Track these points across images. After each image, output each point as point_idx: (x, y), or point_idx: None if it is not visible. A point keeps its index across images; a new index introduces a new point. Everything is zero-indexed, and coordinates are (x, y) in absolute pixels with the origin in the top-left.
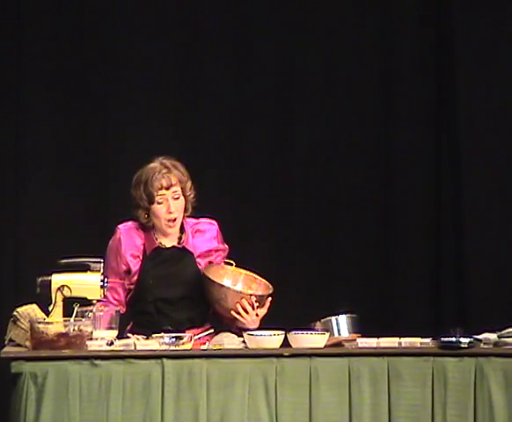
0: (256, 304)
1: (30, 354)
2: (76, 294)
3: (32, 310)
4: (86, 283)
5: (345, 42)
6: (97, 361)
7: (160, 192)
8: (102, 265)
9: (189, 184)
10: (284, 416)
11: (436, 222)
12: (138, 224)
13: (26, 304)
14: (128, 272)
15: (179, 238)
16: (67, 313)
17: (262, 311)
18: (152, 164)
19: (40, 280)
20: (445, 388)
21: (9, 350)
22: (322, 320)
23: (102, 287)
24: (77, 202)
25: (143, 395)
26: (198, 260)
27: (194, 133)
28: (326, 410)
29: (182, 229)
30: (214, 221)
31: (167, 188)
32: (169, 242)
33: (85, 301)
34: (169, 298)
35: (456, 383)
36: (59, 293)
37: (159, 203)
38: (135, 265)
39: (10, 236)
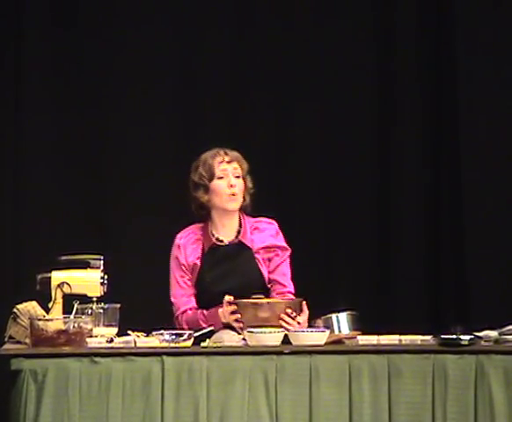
0: (293, 313)
1: (30, 351)
2: (75, 291)
3: (31, 307)
4: (86, 280)
5: (344, 41)
6: (97, 358)
7: (221, 166)
8: (102, 262)
9: (250, 178)
10: (284, 413)
11: (436, 220)
12: (194, 228)
13: (26, 301)
14: (192, 270)
15: (238, 232)
16: (67, 310)
17: (303, 317)
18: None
19: (39, 277)
20: (445, 385)
21: (9, 347)
22: (322, 317)
23: (102, 284)
24: (77, 199)
25: (143, 392)
26: (256, 256)
27: (193, 133)
28: (326, 407)
29: (240, 224)
30: (273, 221)
31: (228, 162)
32: (226, 236)
33: (85, 299)
34: (227, 291)
35: (456, 381)
36: (59, 290)
37: (220, 178)
38: (196, 264)
39: (10, 233)
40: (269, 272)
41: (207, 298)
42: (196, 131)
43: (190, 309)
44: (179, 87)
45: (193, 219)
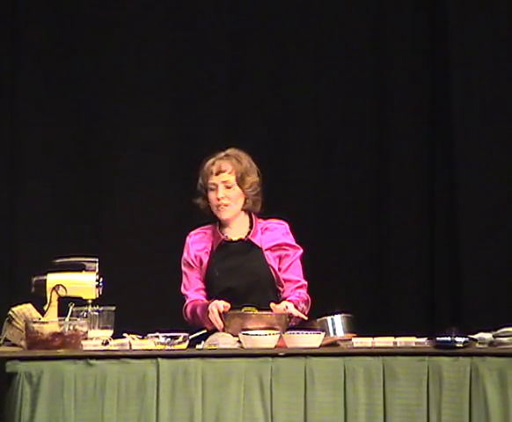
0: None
1: (25, 354)
2: (71, 293)
3: (27, 310)
4: (81, 283)
5: (339, 41)
6: (92, 361)
7: (210, 179)
8: (97, 264)
9: (250, 178)
10: (279, 416)
11: (431, 222)
12: (205, 228)
13: (22, 304)
14: (201, 265)
15: (248, 233)
16: (62, 313)
17: None
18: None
19: (35, 279)
20: (440, 387)
21: (4, 350)
22: (317, 320)
23: (97, 286)
24: (72, 202)
25: (138, 394)
26: (266, 253)
27: (190, 133)
28: (321, 409)
29: (251, 225)
30: (283, 222)
31: (216, 174)
32: (235, 235)
33: (80, 301)
34: (235, 288)
35: (451, 383)
36: (54, 292)
37: (211, 190)
38: (203, 261)
39: (5, 235)
40: (281, 272)
41: (215, 292)
42: (195, 133)
43: (196, 300)
44: (179, 87)
45: (189, 222)
